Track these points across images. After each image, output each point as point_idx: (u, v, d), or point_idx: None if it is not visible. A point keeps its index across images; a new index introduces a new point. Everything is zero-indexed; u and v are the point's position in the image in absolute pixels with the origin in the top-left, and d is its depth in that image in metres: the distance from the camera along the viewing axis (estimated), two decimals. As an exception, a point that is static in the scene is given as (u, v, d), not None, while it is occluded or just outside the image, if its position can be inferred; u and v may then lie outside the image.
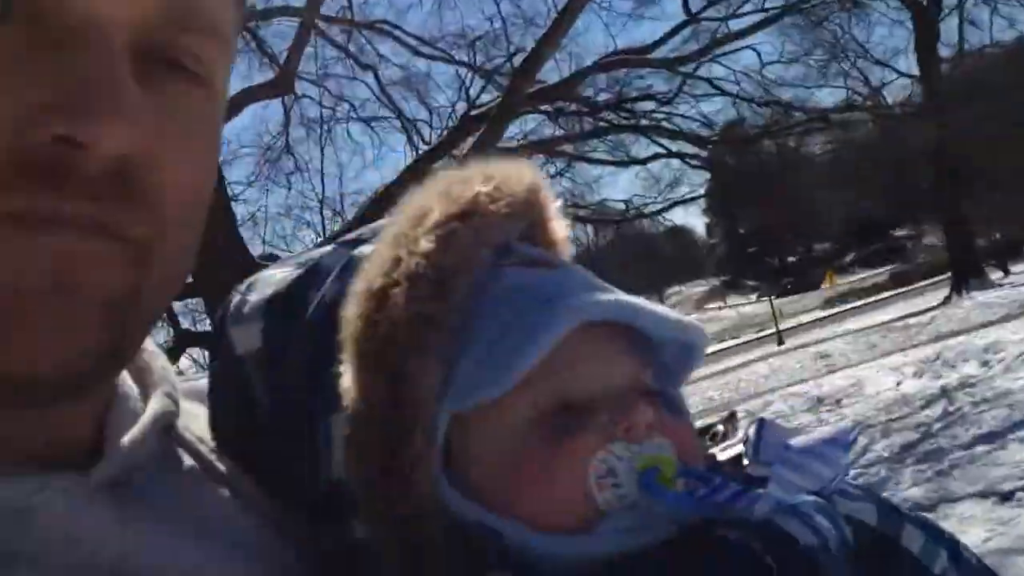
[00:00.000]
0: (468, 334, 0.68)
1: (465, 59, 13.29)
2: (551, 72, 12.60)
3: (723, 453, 0.79)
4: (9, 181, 0.50)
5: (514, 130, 12.98)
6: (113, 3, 0.53)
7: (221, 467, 0.74)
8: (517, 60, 11.61)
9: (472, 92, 13.24)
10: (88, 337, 0.55)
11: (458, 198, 0.72)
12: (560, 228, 0.80)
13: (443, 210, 0.71)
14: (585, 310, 0.68)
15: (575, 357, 0.68)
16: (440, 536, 0.66)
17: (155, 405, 0.69)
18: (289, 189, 14.43)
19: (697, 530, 0.64)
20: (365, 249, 0.76)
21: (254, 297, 0.80)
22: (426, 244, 0.69)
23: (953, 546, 0.81)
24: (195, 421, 0.77)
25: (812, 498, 0.66)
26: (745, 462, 0.72)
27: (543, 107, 13.17)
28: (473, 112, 11.59)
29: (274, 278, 0.81)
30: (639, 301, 0.71)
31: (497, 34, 13.07)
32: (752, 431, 0.71)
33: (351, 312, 0.69)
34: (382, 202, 10.48)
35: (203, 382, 0.82)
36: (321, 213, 14.27)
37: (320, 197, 14.11)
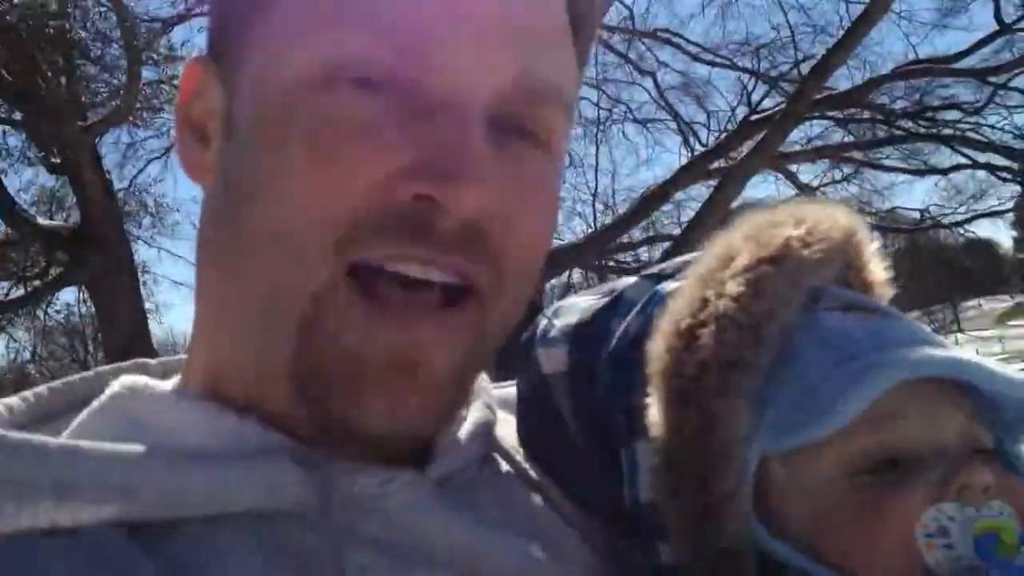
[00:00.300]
0: (781, 377, 0.68)
1: (748, 65, 12.98)
2: (842, 79, 12.09)
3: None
4: (378, 233, 0.58)
5: (797, 135, 12.55)
6: (472, 78, 0.60)
7: (533, 474, 0.79)
8: (804, 67, 11.30)
9: (754, 97, 12.90)
10: (424, 409, 0.63)
11: (768, 243, 0.72)
12: (878, 270, 0.79)
13: (752, 254, 0.71)
14: (917, 365, 0.65)
15: (902, 410, 0.66)
16: (751, 572, 0.67)
17: (476, 413, 0.76)
18: (563, 182, 14.78)
19: None
20: (669, 285, 0.77)
21: (560, 322, 0.83)
22: (734, 287, 0.69)
23: None
24: (508, 428, 0.83)
25: None
26: None
27: (831, 113, 12.68)
28: (754, 117, 11.42)
29: (579, 306, 0.84)
30: (974, 358, 0.67)
31: (784, 42, 12.63)
32: None
33: (658, 348, 0.70)
34: (653, 200, 10.64)
35: (509, 391, 0.88)
36: (593, 206, 14.54)
37: (593, 191, 14.36)
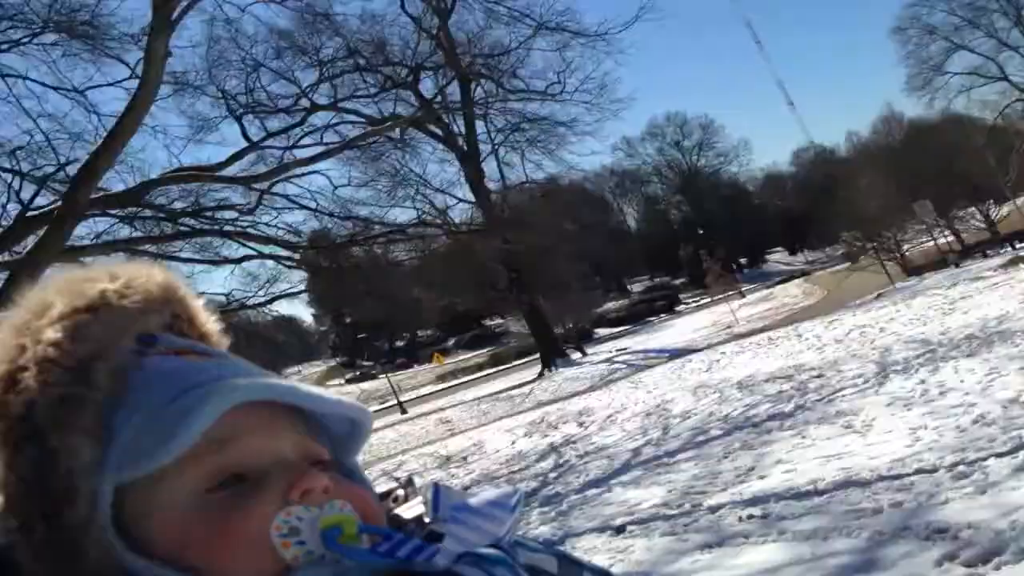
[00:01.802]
0: (123, 410, 0.69)
1: (7, 166, 13.11)
2: (116, 181, 13.03)
3: (407, 512, 0.83)
4: None
5: (84, 230, 13.13)
6: None
7: None
8: (71, 169, 11.96)
9: (25, 195, 12.81)
10: None
11: (83, 293, 0.73)
12: (208, 321, 0.84)
13: (68, 303, 0.72)
14: (241, 390, 0.70)
15: (239, 431, 0.70)
16: None
17: None
18: None
19: None
20: None
21: None
22: (52, 334, 0.70)
23: None
24: None
25: (491, 550, 0.71)
26: (427, 520, 0.76)
27: (112, 211, 13.27)
28: (31, 213, 11.57)
29: None
30: (296, 384, 0.76)
31: (41, 145, 13.15)
32: (429, 493, 0.76)
33: None
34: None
35: None
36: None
37: None
